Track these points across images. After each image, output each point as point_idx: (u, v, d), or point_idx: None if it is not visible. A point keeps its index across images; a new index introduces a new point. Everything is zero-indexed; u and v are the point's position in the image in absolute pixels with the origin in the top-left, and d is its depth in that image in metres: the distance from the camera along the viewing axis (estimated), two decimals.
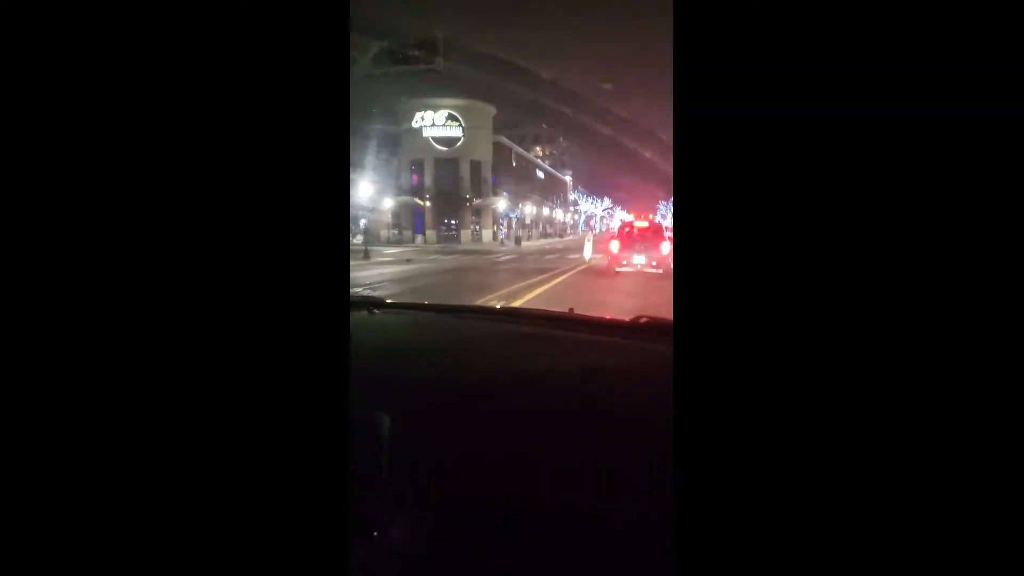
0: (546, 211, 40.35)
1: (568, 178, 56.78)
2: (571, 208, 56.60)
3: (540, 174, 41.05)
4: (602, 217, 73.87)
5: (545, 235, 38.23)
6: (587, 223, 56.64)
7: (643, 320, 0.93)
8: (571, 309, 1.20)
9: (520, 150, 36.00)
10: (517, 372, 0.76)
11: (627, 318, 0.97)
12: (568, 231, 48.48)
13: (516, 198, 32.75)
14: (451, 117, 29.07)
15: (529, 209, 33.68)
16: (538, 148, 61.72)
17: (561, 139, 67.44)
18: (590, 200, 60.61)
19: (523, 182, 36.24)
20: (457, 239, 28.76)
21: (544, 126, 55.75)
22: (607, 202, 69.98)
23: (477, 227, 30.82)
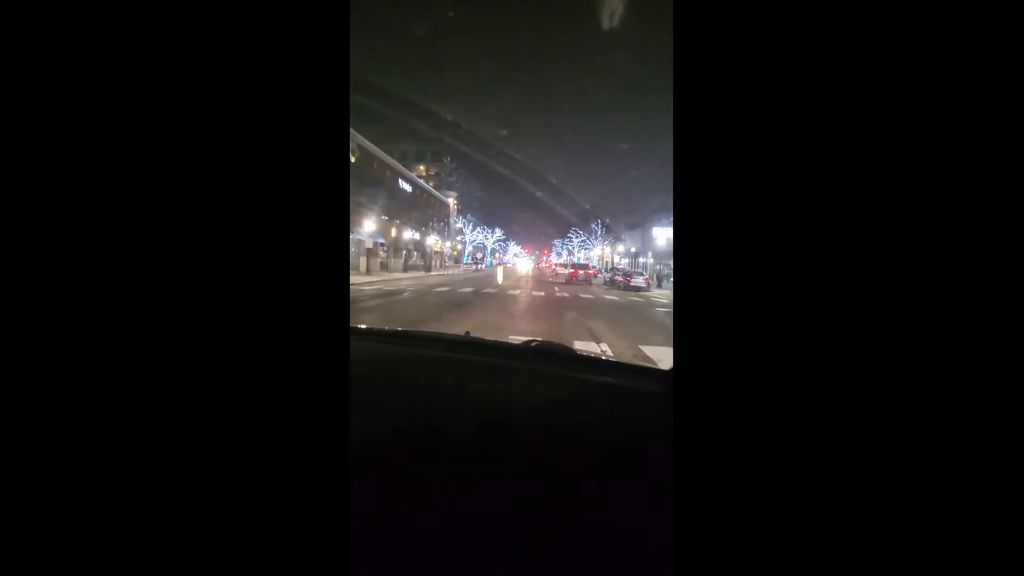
0: (412, 235, 29.51)
1: (452, 200, 47.20)
2: (457, 236, 46.94)
3: (406, 186, 30.55)
4: (494, 250, 65.73)
5: (407, 267, 27.18)
6: (474, 255, 47.34)
7: (534, 343, 0.98)
8: (467, 332, 1.26)
9: (365, 142, 24.82)
10: (423, 394, 0.79)
11: (519, 341, 1.03)
12: (448, 262, 38.38)
13: (352, 211, 21.86)
14: None
15: (370, 228, 22.24)
16: (421, 167, 52.21)
17: (448, 159, 58.77)
18: (479, 229, 51.61)
19: (372, 192, 24.81)
20: None
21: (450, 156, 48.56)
22: (499, 233, 62.03)
23: None
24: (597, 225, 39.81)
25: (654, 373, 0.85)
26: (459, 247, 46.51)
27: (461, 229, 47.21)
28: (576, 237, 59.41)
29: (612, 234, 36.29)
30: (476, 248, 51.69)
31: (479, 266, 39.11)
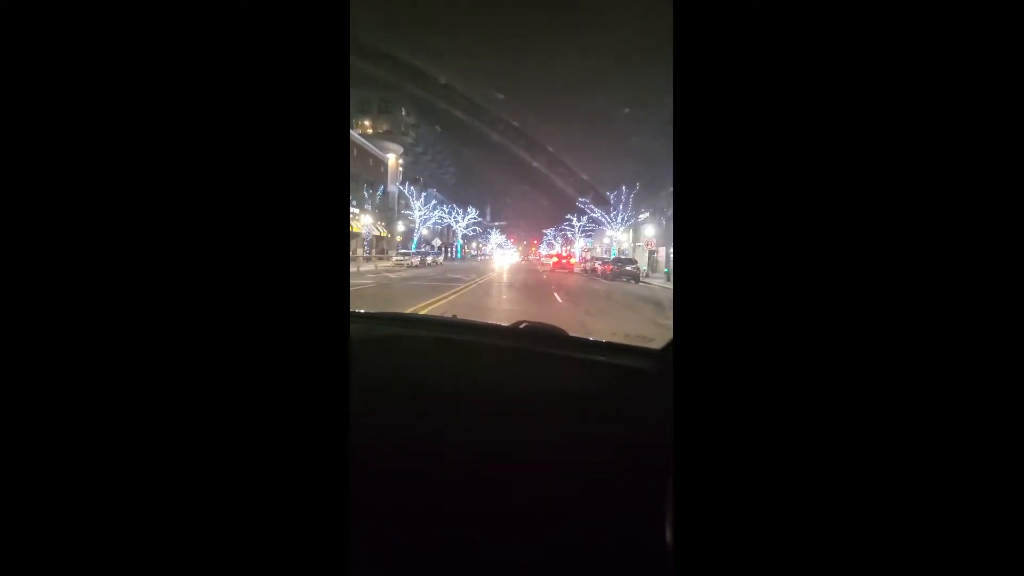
0: None
1: (392, 158, 30.94)
2: (400, 212, 30.87)
3: None
4: (469, 236, 50.01)
5: None
6: (429, 242, 31.39)
7: (522, 325, 0.98)
8: (454, 315, 1.34)
9: None
10: (416, 379, 0.80)
11: (506, 323, 1.02)
12: (367, 249, 22.35)
13: None
14: None
15: None
16: (367, 122, 36.57)
17: (404, 111, 43.07)
18: (438, 205, 35.46)
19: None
20: None
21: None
22: (473, 214, 46.05)
23: None
24: (622, 194, 23.85)
25: (644, 352, 0.83)
26: (389, 225, 30.52)
27: (417, 205, 31.15)
28: (578, 220, 43.96)
29: (644, 207, 21.01)
30: (436, 232, 35.62)
31: (433, 260, 23.92)
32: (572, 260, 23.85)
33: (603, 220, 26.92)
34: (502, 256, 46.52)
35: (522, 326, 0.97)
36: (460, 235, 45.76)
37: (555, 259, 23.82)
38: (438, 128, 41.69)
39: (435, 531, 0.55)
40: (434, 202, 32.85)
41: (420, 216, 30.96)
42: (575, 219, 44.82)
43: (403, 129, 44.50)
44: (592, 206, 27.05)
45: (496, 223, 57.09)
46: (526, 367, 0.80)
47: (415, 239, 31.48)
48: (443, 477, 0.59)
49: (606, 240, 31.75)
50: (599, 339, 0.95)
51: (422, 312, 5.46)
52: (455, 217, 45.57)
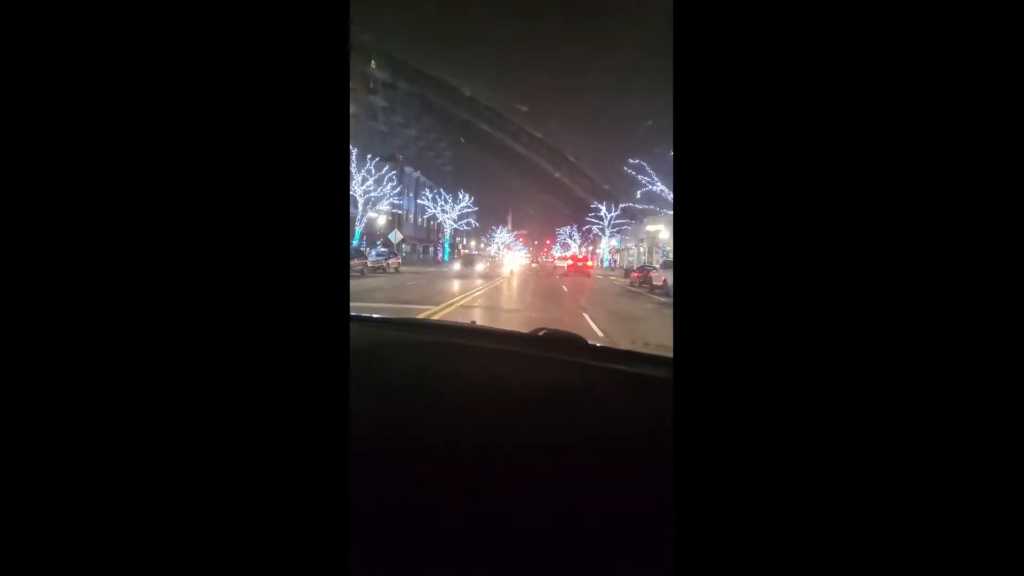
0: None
1: None
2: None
3: None
4: (463, 232, 38.93)
5: None
6: (383, 241, 20.23)
7: (541, 332, 0.98)
8: (473, 321, 1.31)
9: None
10: (429, 382, 0.82)
11: (525, 330, 1.03)
12: None
13: None
14: None
15: None
16: None
17: (372, 63, 32.30)
18: (399, 182, 24.22)
19: None
20: None
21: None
22: (465, 202, 34.76)
23: None
24: None
25: (663, 361, 0.84)
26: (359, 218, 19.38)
27: (359, 178, 19.90)
28: (608, 210, 32.35)
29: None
30: (416, 227, 24.45)
31: (383, 263, 15.40)
32: (589, 263, 23.54)
33: (663, 194, 15.41)
34: (506, 258, 35.35)
35: (541, 333, 0.97)
36: (449, 230, 34.73)
37: (569, 262, 22.91)
38: (371, 66, 34.82)
39: (437, 533, 0.54)
40: (386, 168, 21.43)
41: (364, 194, 19.71)
42: (603, 208, 33.35)
43: (371, 86, 33.52)
44: (652, 173, 15.62)
45: (517, 232, 46.64)
46: (544, 374, 0.80)
47: (357, 231, 20.41)
48: (453, 480, 0.59)
49: (663, 234, 20.05)
50: (620, 347, 0.92)
51: None
52: (441, 206, 34.42)
